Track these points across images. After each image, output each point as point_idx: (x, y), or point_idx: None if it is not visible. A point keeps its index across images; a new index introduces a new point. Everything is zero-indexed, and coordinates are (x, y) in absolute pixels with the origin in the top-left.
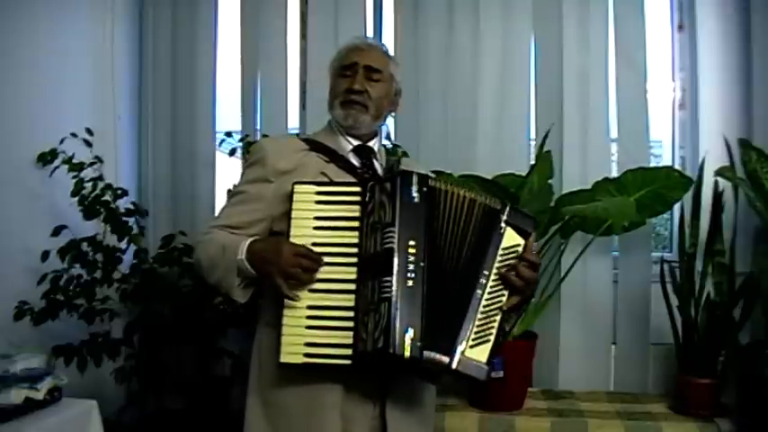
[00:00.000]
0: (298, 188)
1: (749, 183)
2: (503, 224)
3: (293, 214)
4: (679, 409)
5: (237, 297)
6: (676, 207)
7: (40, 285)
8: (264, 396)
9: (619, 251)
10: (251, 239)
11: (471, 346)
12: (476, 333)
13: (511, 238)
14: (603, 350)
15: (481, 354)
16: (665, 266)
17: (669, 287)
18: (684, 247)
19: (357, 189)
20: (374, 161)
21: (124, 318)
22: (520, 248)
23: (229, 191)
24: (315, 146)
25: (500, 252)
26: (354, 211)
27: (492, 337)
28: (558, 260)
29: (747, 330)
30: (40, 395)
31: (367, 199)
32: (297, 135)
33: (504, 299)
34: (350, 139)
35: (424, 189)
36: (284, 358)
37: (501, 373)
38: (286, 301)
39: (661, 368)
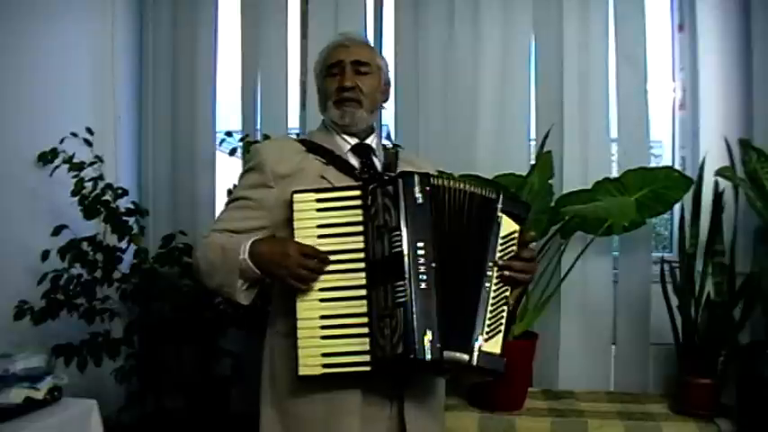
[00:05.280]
0: (297, 197)
1: (749, 183)
2: (499, 213)
3: (295, 224)
4: (679, 409)
5: (241, 299)
6: (676, 207)
7: (40, 285)
8: (280, 406)
9: (619, 251)
10: (252, 239)
11: (486, 340)
12: (488, 326)
13: (508, 225)
14: (603, 350)
15: (495, 346)
16: (665, 266)
17: (669, 287)
18: (684, 247)
19: (358, 193)
20: (374, 159)
21: (124, 317)
22: (516, 235)
23: (230, 191)
24: (312, 147)
25: (500, 241)
26: (357, 215)
27: (502, 329)
28: (558, 260)
29: (747, 330)
30: (40, 395)
31: (369, 202)
32: (296, 136)
33: (508, 288)
34: (347, 137)
35: (428, 188)
36: (303, 371)
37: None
38: (299, 312)
39: (661, 368)
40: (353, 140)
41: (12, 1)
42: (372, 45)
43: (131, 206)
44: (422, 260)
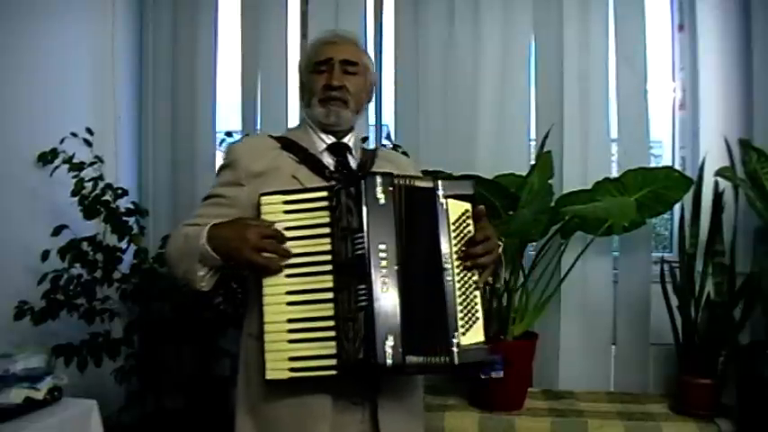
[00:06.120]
0: (264, 200)
1: (749, 183)
2: (442, 200)
3: None
4: (679, 409)
5: (201, 286)
6: (676, 207)
7: (40, 285)
8: (253, 410)
9: (619, 251)
10: (211, 224)
11: (464, 334)
12: (462, 320)
13: (456, 208)
14: (603, 350)
15: (476, 335)
16: (665, 266)
17: (669, 287)
18: (684, 247)
19: (325, 194)
20: (349, 158)
21: (124, 318)
22: (469, 214)
23: None
24: (287, 144)
25: (452, 228)
26: (324, 217)
27: (480, 314)
28: (558, 260)
29: (747, 330)
30: (40, 395)
31: (334, 204)
32: (270, 134)
33: (475, 273)
34: (323, 136)
35: (390, 189)
36: (270, 375)
37: (501, 374)
38: (266, 315)
39: (661, 368)
40: (330, 139)
41: (12, 1)
42: (360, 43)
43: (131, 206)
44: (384, 263)
